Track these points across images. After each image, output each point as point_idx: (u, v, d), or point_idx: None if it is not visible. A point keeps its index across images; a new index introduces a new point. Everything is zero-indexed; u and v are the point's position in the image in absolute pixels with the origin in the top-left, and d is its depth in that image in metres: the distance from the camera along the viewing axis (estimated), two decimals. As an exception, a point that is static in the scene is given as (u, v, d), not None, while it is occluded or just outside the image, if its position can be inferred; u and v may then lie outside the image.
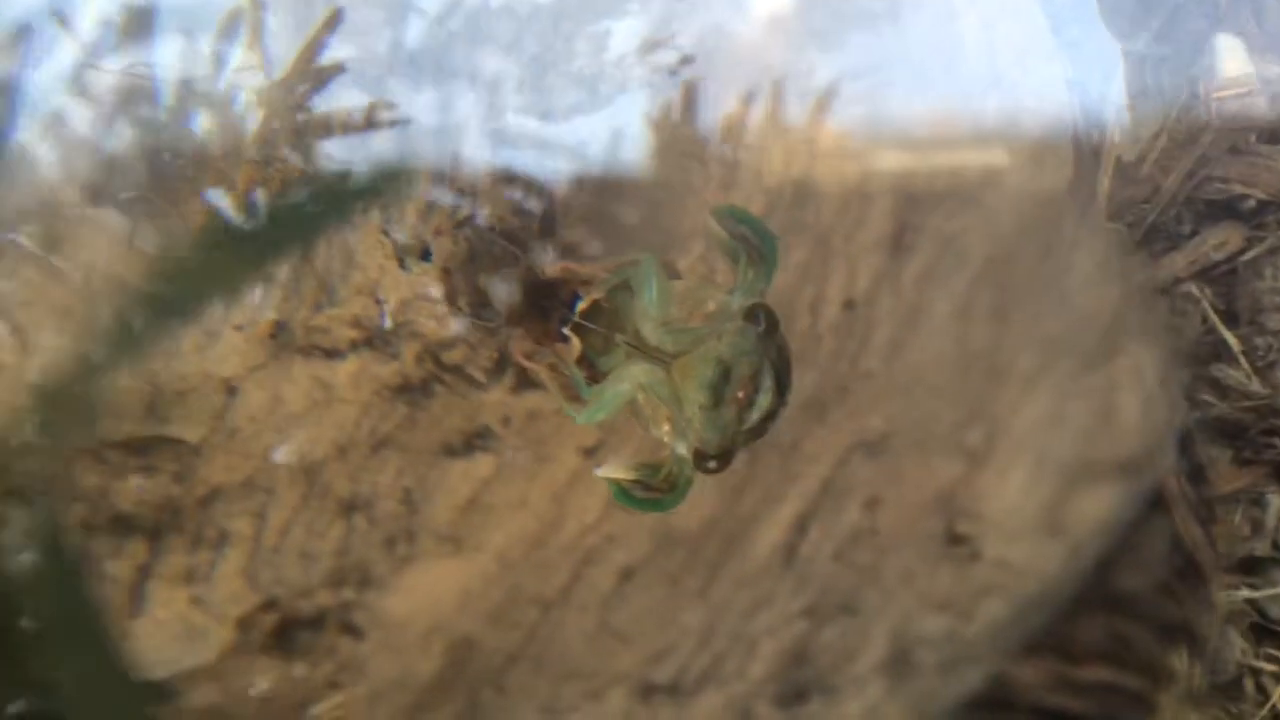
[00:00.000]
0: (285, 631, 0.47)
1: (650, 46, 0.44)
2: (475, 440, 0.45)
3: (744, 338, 0.36)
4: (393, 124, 0.41)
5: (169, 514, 0.43)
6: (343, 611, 0.48)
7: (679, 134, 0.44)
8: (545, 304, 0.39)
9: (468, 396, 0.44)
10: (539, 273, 0.39)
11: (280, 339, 0.41)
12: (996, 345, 0.60)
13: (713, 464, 0.36)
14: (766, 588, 0.62)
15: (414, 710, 0.54)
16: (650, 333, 0.37)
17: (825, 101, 0.48)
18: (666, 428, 0.37)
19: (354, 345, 0.42)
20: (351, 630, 0.49)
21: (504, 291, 0.40)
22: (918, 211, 0.55)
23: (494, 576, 0.52)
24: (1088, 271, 0.60)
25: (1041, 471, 0.64)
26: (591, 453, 0.50)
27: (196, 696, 0.45)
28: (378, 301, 0.41)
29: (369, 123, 0.41)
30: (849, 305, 0.54)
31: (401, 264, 0.40)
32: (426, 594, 0.50)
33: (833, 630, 0.64)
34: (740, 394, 0.35)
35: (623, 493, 0.39)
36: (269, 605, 0.46)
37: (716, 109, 0.47)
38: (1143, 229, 0.59)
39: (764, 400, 0.36)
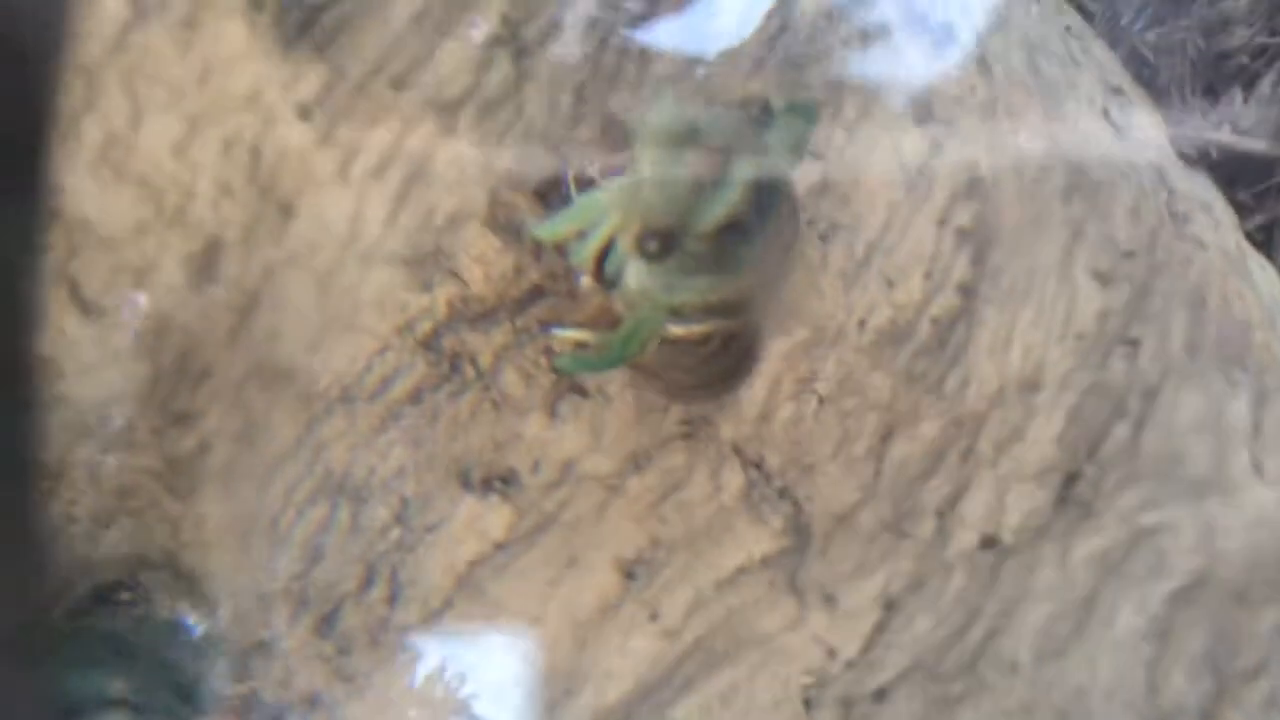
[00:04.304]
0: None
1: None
2: (495, 480, 0.41)
3: (729, 114, 0.31)
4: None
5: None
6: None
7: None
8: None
9: (501, 417, 0.40)
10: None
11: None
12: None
13: (653, 245, 0.30)
14: None
15: None
16: None
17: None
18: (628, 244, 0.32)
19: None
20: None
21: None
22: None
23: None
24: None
25: None
26: (631, 573, 0.43)
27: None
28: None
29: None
30: (989, 544, 0.45)
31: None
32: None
33: None
34: (703, 162, 0.30)
35: (571, 359, 0.36)
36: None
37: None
38: None
39: (730, 193, 0.30)
